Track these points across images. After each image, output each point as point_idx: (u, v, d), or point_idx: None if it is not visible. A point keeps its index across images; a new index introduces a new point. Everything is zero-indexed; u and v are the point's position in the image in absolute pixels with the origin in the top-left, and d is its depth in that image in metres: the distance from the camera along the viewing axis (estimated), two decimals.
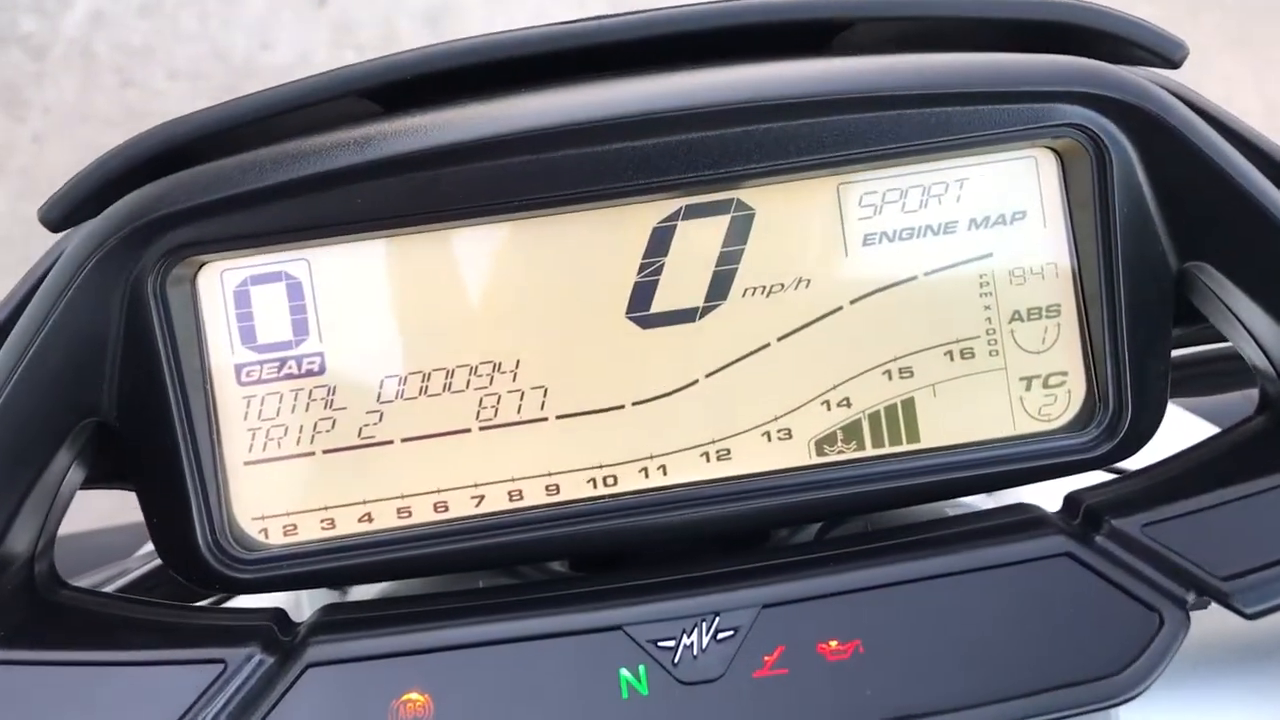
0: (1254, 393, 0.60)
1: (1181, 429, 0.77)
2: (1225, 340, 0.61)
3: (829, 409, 0.57)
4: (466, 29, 3.19)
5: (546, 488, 0.57)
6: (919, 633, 0.53)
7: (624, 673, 0.53)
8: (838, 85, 0.54)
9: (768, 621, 0.53)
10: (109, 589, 0.73)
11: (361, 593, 0.73)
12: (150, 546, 1.07)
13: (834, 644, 0.52)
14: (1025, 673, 0.52)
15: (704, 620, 0.53)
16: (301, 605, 0.73)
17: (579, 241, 0.56)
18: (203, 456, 0.55)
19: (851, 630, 0.53)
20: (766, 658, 0.52)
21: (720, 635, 0.53)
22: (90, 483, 0.59)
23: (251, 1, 3.24)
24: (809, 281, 0.57)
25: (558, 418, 0.57)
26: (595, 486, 0.57)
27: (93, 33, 3.22)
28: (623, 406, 0.57)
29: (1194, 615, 0.53)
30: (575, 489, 0.57)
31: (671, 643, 0.53)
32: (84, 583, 0.71)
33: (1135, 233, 0.55)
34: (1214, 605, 0.54)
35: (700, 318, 0.57)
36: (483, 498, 0.57)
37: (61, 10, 3.25)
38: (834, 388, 0.57)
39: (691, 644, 0.53)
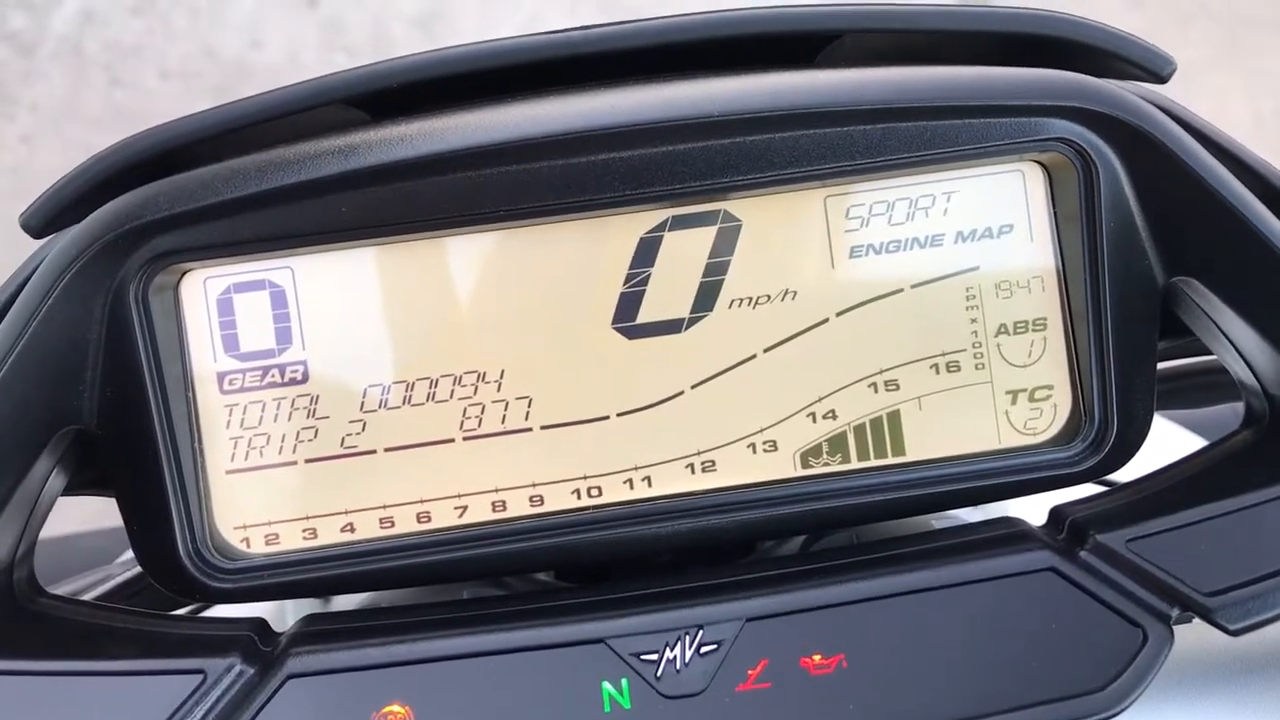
0: (1240, 405, 0.60)
1: (1167, 441, 0.77)
2: (1210, 354, 0.61)
3: (814, 421, 0.57)
4: (458, 32, 3.19)
5: (530, 499, 0.57)
6: (903, 647, 0.52)
7: (606, 686, 0.52)
8: (826, 98, 0.54)
9: (751, 635, 0.53)
10: (89, 596, 0.73)
11: (344, 603, 0.73)
12: (132, 553, 1.07)
13: (818, 658, 0.52)
14: (1009, 688, 0.52)
15: (687, 633, 0.53)
16: (285, 614, 0.73)
17: (565, 251, 0.56)
18: (184, 465, 0.55)
19: (835, 644, 0.52)
20: (750, 671, 0.52)
21: (704, 649, 0.53)
22: (71, 489, 0.59)
23: (242, 1, 3.23)
24: (795, 293, 0.57)
25: (542, 428, 0.57)
26: (579, 498, 0.57)
27: (83, 31, 3.21)
28: (608, 417, 0.57)
29: (1178, 630, 0.53)
30: (559, 500, 0.57)
31: (654, 656, 0.52)
32: (65, 589, 0.70)
33: (1122, 247, 0.55)
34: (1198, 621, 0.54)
35: (686, 328, 0.57)
36: (466, 508, 0.57)
37: (51, 7, 3.24)
38: (820, 400, 0.57)
39: (674, 657, 0.52)
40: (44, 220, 0.54)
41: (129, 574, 0.74)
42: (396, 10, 3.25)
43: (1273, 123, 2.96)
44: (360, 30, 3.22)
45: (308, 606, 0.78)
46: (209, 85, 3.09)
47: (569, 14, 3.20)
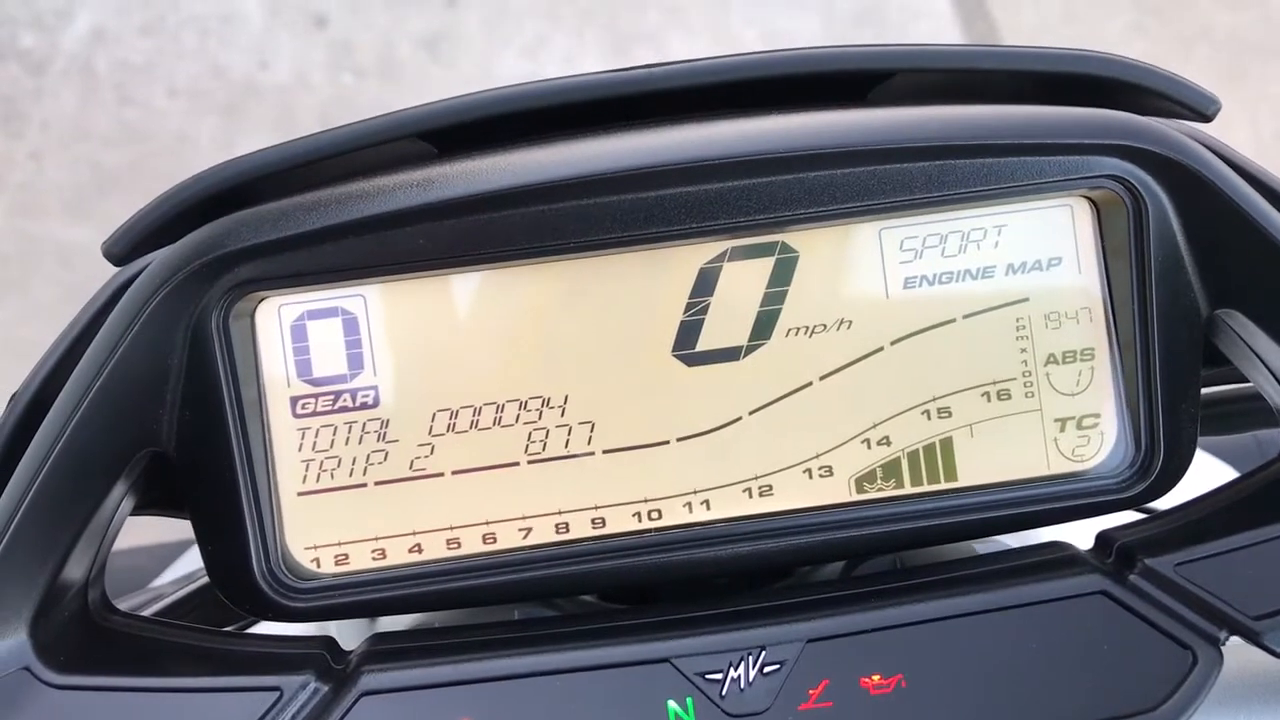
0: (1263, 433, 0.62)
1: (1196, 468, 0.78)
2: (1244, 382, 0.63)
3: (869, 447, 0.59)
4: (465, 53, 3.21)
5: (592, 521, 0.59)
6: (960, 668, 0.54)
7: (672, 704, 0.54)
8: (883, 135, 0.56)
9: (813, 656, 0.54)
10: (146, 613, 0.74)
11: (388, 624, 0.74)
12: (181, 570, 1.08)
13: (877, 678, 0.54)
14: (1064, 708, 0.53)
15: (750, 654, 0.54)
16: (332, 633, 0.74)
17: (627, 281, 0.58)
18: (258, 486, 0.56)
19: (894, 665, 0.54)
20: (811, 691, 0.54)
21: (767, 669, 0.54)
22: (139, 510, 0.60)
23: (251, 22, 3.26)
24: (850, 323, 0.58)
25: (604, 452, 0.58)
26: (640, 520, 0.59)
27: (93, 49, 3.23)
28: (668, 442, 0.59)
29: (1226, 652, 0.55)
30: (620, 522, 0.59)
31: (719, 675, 0.54)
32: (122, 607, 0.71)
33: (1168, 280, 0.57)
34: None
35: (744, 356, 0.58)
36: (530, 530, 0.58)
37: (61, 26, 3.26)
38: (874, 426, 0.59)
39: (739, 677, 0.54)
40: (127, 248, 0.56)
41: (182, 592, 0.75)
42: (404, 32, 3.28)
43: (1274, 145, 2.99)
44: (368, 51, 3.24)
45: (350, 626, 0.79)
46: (217, 105, 3.10)
47: (575, 36, 3.23)
